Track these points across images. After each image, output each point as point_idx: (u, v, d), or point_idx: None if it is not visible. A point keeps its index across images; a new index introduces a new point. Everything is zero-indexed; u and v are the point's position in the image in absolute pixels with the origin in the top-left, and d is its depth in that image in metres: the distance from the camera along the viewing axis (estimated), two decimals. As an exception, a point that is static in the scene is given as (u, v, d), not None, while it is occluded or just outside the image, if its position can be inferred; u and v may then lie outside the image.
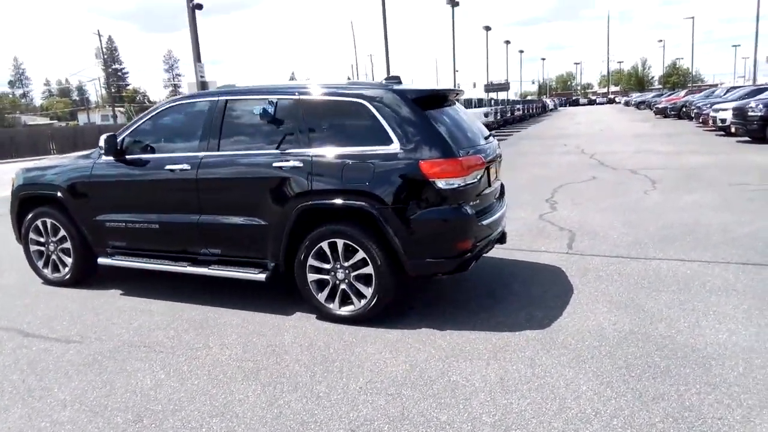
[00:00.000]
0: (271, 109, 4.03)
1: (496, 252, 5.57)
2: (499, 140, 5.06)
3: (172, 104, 4.54)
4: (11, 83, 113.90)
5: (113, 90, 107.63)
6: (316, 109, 3.99)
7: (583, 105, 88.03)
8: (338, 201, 3.79)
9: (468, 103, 24.75)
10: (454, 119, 4.18)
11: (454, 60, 49.50)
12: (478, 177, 3.87)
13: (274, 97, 4.09)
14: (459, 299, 4.39)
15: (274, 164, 3.94)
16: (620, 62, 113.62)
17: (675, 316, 3.88)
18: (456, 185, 3.66)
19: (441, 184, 3.62)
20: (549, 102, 65.63)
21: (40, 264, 5.10)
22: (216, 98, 4.32)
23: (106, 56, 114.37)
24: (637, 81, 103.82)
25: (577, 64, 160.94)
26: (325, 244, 3.89)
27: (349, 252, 3.85)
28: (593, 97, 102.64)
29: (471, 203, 3.81)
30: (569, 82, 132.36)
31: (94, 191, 4.67)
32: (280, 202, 3.95)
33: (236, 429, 2.73)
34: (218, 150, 4.20)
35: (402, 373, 3.22)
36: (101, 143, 4.41)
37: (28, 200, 5.00)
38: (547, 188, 9.48)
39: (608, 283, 4.60)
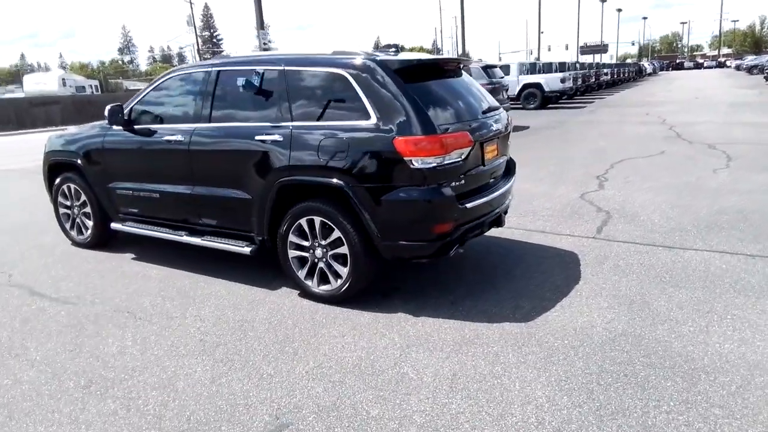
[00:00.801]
0: (256, 81, 3.93)
1: (512, 233, 5.25)
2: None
3: (173, 75, 4.57)
4: (120, 50, 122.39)
5: (208, 56, 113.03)
6: (300, 81, 3.84)
7: (688, 69, 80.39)
8: (314, 178, 3.66)
9: (547, 67, 23.32)
10: (449, 92, 3.87)
11: (539, 20, 46.87)
12: (463, 155, 3.57)
13: (261, 68, 3.98)
14: (449, 283, 4.16)
15: (257, 137, 3.86)
16: (735, 21, 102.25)
17: (683, 318, 3.44)
18: (433, 164, 3.40)
19: (417, 162, 3.37)
20: (647, 65, 60.52)
21: (67, 226, 5.44)
22: (209, 69, 4.29)
23: (202, 22, 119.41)
24: (753, 42, 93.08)
25: (683, 23, 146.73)
26: (304, 221, 3.79)
27: (327, 230, 3.73)
28: (701, 61, 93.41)
29: (453, 184, 3.53)
30: (675, 44, 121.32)
31: (106, 160, 4.85)
32: (262, 176, 3.88)
33: (170, 403, 2.75)
34: (209, 122, 4.18)
35: (354, 361, 3.10)
36: (105, 113, 4.54)
37: (56, 166, 5.31)
38: (604, 163, 8.76)
39: (623, 275, 4.16)
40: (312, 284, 3.88)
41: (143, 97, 4.67)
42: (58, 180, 5.32)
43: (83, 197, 5.13)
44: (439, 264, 4.54)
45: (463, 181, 3.61)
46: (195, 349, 3.30)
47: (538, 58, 47.87)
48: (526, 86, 20.64)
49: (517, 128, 14.45)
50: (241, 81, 3.97)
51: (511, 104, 21.66)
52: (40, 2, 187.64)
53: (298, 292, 4.03)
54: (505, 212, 4.36)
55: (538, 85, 20.41)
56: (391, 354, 3.15)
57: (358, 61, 3.64)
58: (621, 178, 7.59)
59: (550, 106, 21.44)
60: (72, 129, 5.45)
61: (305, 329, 3.51)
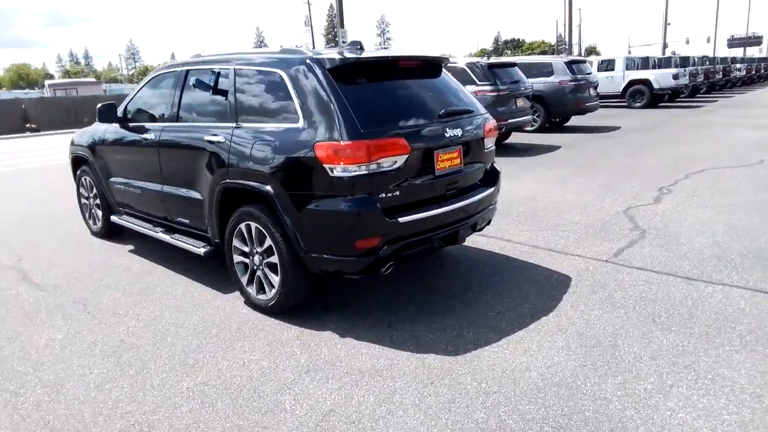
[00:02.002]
0: (209, 80, 3.85)
1: (514, 249, 4.73)
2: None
3: (157, 73, 4.64)
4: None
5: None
6: (245, 81, 3.68)
7: None
8: (247, 182, 3.49)
9: (665, 62, 21.06)
10: (397, 93, 3.50)
11: (666, 10, 42.79)
12: (397, 164, 3.19)
13: (217, 67, 3.89)
14: (402, 301, 3.77)
15: (205, 138, 3.78)
16: None
17: (648, 371, 2.79)
18: (356, 173, 3.06)
19: (338, 170, 3.06)
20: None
21: (86, 216, 5.81)
22: (180, 68, 4.29)
23: (327, 22, 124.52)
24: None
25: None
26: (243, 226, 3.64)
27: (261, 237, 3.55)
28: None
29: (382, 195, 3.17)
30: None
31: (105, 155, 5.08)
32: (209, 177, 3.79)
33: (44, 405, 2.74)
34: (176, 121, 4.18)
35: (242, 382, 2.88)
36: (96, 111, 4.73)
37: (76, 159, 5.68)
38: (679, 172, 7.64)
39: (609, 310, 3.51)
40: (252, 292, 3.73)
41: (135, 95, 4.80)
42: (78, 172, 5.69)
43: (95, 189, 5.43)
44: (405, 277, 4.17)
45: (397, 193, 3.23)
46: (108, 350, 3.29)
47: (674, 52, 43.71)
48: (632, 83, 18.81)
49: (604, 129, 13.20)
50: (192, 80, 3.92)
51: (614, 102, 19.99)
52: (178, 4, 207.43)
53: (245, 299, 3.90)
54: (476, 228, 3.88)
55: (646, 82, 18.51)
56: (284, 378, 2.90)
57: (294, 60, 3.39)
58: (688, 191, 6.54)
59: (661, 105, 19.37)
60: (94, 125, 5.78)
61: (223, 340, 3.36)
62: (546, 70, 12.57)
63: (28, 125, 27.28)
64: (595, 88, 13.33)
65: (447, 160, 3.50)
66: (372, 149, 3.06)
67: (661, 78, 18.22)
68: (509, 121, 9.79)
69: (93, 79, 59.66)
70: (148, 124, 4.50)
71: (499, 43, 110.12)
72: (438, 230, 3.46)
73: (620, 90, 18.99)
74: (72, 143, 5.69)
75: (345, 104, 3.12)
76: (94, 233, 5.73)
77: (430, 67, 3.85)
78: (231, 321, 3.60)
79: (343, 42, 15.09)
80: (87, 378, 2.98)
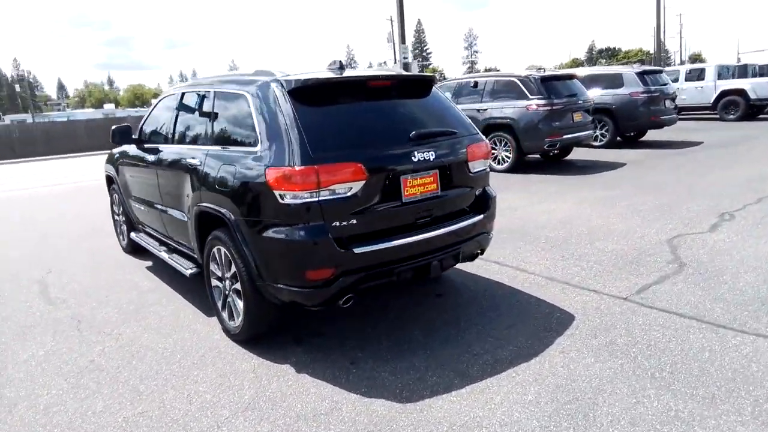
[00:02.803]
0: (195, 103, 3.86)
1: (524, 281, 4.37)
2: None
3: (163, 96, 4.75)
4: (346, 65, 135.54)
5: (420, 69, 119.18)
6: (221, 103, 3.64)
7: None
8: (213, 205, 3.43)
9: (759, 71, 19.05)
10: (363, 115, 3.30)
11: None
12: (353, 191, 2.97)
13: (202, 90, 3.90)
14: (379, 336, 3.52)
15: (187, 160, 3.79)
16: None
17: (617, 441, 2.36)
18: (305, 200, 2.89)
19: (288, 197, 2.91)
20: None
21: (117, 232, 6.09)
22: (176, 91, 4.35)
23: (414, 38, 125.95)
24: None
25: None
26: (215, 250, 3.59)
27: (229, 262, 3.47)
28: None
29: (335, 224, 2.97)
30: None
31: (125, 175, 5.28)
32: (189, 199, 3.79)
33: (-10, 425, 2.81)
34: (173, 143, 4.24)
35: (175, 415, 2.77)
36: (110, 133, 4.92)
37: (107, 178, 5.97)
38: (750, 195, 6.73)
39: (604, 359, 3.06)
40: (225, 317, 3.65)
41: (149, 116, 4.95)
42: (109, 190, 5.98)
43: (121, 207, 5.67)
44: (393, 306, 3.91)
45: (354, 221, 3.01)
46: (75, 370, 3.33)
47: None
48: (724, 93, 17.13)
49: (683, 144, 12.05)
50: (183, 103, 3.94)
51: (705, 115, 18.29)
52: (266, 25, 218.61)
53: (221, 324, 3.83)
54: (459, 258, 3.56)
55: (741, 92, 16.77)
56: (220, 415, 2.75)
57: (259, 81, 3.30)
58: (754, 219, 5.72)
59: (761, 117, 17.47)
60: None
61: (182, 367, 3.29)
62: (616, 81, 11.71)
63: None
64: (673, 99, 12.21)
65: (418, 186, 3.23)
66: (322, 175, 2.88)
67: (759, 88, 16.42)
68: (564, 136, 9.17)
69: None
70: (152, 145, 4.61)
71: (594, 52, 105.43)
72: (403, 262, 3.19)
73: (711, 101, 17.35)
74: (105, 162, 5.99)
75: (298, 127, 2.97)
76: (123, 249, 5.98)
77: (412, 86, 3.62)
78: (199, 347, 3.54)
79: (404, 59, 15.06)
80: (40, 399, 3.02)
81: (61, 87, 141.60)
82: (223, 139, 3.52)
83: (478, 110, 9.77)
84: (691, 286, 4.02)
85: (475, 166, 3.59)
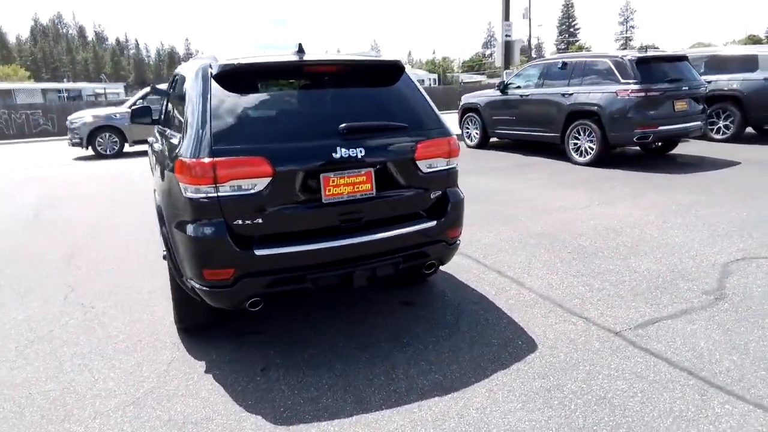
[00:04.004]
0: (168, 88, 3.86)
1: (514, 296, 3.82)
2: None
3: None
4: (485, 44, 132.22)
5: (561, 47, 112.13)
6: (177, 84, 3.57)
7: None
8: (155, 196, 3.41)
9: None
10: (289, 103, 3.03)
11: None
12: (258, 187, 2.71)
13: (180, 73, 3.86)
14: (321, 342, 3.27)
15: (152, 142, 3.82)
16: None
17: None
18: (205, 194, 2.72)
19: (190, 191, 2.76)
20: None
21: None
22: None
23: (561, 12, 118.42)
24: None
25: None
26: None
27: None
28: None
29: (238, 221, 2.75)
30: None
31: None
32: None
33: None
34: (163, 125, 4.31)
35: (60, 397, 2.82)
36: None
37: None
38: None
39: (533, 410, 2.55)
40: (173, 305, 3.64)
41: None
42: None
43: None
44: (355, 312, 3.63)
45: (259, 220, 2.78)
46: (31, 339, 3.51)
47: None
48: None
49: (725, 164, 9.79)
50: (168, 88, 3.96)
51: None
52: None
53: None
54: (425, 267, 3.18)
55: None
56: (96, 406, 2.71)
57: (202, 63, 3.12)
58: None
59: None
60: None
61: (117, 350, 3.32)
62: (748, 64, 9.81)
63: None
64: (701, 100, 9.92)
65: (345, 186, 2.89)
66: (220, 169, 2.68)
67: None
68: (660, 128, 7.90)
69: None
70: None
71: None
72: (318, 268, 2.90)
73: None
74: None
75: (208, 116, 2.79)
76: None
77: (370, 73, 3.24)
78: (144, 332, 3.56)
79: (507, 37, 14.02)
80: (-16, 363, 3.26)
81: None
82: (169, 123, 3.47)
83: (563, 95, 8.79)
84: (712, 327, 3.20)
85: (429, 165, 3.14)
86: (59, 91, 51.23)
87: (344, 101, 3.12)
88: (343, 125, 2.89)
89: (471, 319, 3.50)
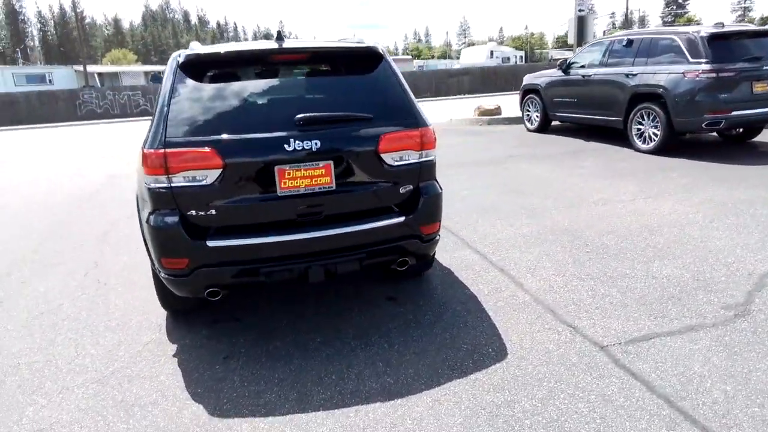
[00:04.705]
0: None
1: (505, 298, 3.63)
2: None
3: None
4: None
5: (668, 20, 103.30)
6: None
7: None
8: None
9: None
10: (250, 93, 2.97)
11: None
12: (209, 179, 2.70)
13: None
14: (293, 334, 3.27)
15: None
16: None
17: None
18: (160, 185, 2.75)
19: (149, 181, 2.81)
20: None
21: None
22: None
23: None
24: None
25: None
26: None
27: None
28: None
29: (192, 212, 2.76)
30: None
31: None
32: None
33: (-53, 346, 3.42)
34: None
35: (35, 369, 3.02)
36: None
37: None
38: None
39: (468, 426, 2.39)
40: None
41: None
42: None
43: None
44: (342, 302, 3.58)
45: (213, 212, 2.78)
46: (42, 310, 3.80)
47: None
48: None
49: None
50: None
51: None
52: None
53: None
54: (397, 263, 3.07)
55: None
56: (64, 384, 2.88)
57: (179, 53, 3.15)
58: None
59: None
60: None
61: (108, 328, 3.51)
62: None
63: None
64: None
65: (302, 179, 2.82)
66: (170, 160, 2.70)
67: None
68: (734, 113, 7.03)
69: (408, 57, 66.27)
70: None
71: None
72: (273, 262, 2.86)
73: None
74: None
75: (167, 106, 2.81)
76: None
77: (344, 60, 3.12)
78: (138, 310, 3.72)
79: (580, 11, 12.97)
80: (-7, 331, 3.57)
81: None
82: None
83: (627, 75, 8.05)
84: (716, 349, 2.82)
85: (398, 158, 2.98)
86: (159, 72, 54.89)
87: (309, 91, 3.04)
88: (299, 116, 2.81)
89: (450, 320, 3.33)
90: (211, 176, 2.73)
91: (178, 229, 2.77)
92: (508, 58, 50.93)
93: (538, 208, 5.52)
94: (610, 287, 3.63)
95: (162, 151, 2.71)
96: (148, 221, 2.84)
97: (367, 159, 2.92)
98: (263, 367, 2.94)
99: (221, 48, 3.02)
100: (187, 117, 2.82)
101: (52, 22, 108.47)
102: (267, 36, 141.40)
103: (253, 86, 3.02)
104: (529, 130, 10.97)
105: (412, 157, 3.03)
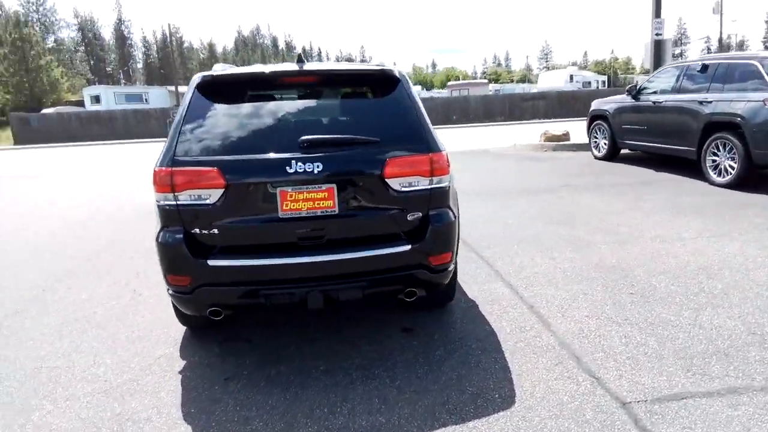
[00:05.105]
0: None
1: (527, 339, 3.46)
2: None
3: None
4: (675, 42, 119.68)
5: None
6: None
7: None
8: None
9: None
10: (258, 114, 2.98)
11: None
12: (212, 199, 2.72)
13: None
14: (302, 363, 3.21)
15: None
16: None
17: None
18: (168, 202, 2.81)
19: (159, 198, 2.87)
20: None
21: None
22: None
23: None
24: None
25: None
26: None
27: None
28: None
29: (196, 230, 2.79)
30: None
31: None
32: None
33: (-14, 345, 3.65)
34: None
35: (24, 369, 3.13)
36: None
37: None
38: None
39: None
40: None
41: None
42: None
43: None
44: (339, 331, 3.49)
45: (215, 231, 2.79)
46: (76, 312, 3.99)
47: None
48: None
49: None
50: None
51: None
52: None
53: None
54: (405, 294, 2.97)
55: None
56: (67, 392, 2.98)
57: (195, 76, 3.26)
58: None
59: None
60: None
61: (130, 339, 3.63)
62: None
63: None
64: None
65: (304, 201, 2.77)
66: (177, 179, 2.76)
67: None
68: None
69: (484, 81, 65.78)
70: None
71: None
72: (272, 285, 2.81)
73: None
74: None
75: (180, 126, 2.89)
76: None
77: (358, 83, 3.07)
78: (157, 325, 3.80)
79: (657, 35, 12.26)
80: (30, 320, 3.77)
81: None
82: None
83: (701, 102, 7.46)
84: (760, 417, 2.44)
85: (405, 184, 2.87)
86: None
87: (319, 114, 3.02)
88: (303, 138, 2.78)
89: (462, 358, 3.13)
90: (214, 195, 2.75)
91: (181, 246, 2.80)
92: (589, 83, 49.17)
93: (585, 241, 5.16)
94: (648, 335, 3.28)
95: (169, 169, 2.77)
96: (157, 238, 2.90)
97: (372, 184, 2.84)
98: (260, 392, 2.88)
99: (237, 70, 3.07)
100: (197, 137, 2.87)
101: (155, 46, 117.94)
102: (349, 60, 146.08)
103: (263, 108, 3.04)
104: (596, 157, 10.44)
105: (421, 183, 2.91)
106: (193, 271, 2.82)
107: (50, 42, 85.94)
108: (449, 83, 58.81)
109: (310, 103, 3.09)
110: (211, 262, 2.79)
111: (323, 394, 2.82)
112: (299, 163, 2.74)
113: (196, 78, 3.08)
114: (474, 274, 4.45)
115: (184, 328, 3.67)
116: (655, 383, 2.77)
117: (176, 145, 2.82)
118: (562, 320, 3.55)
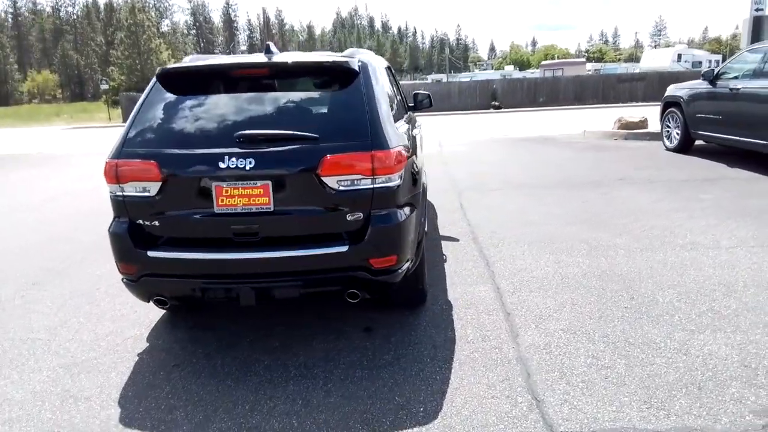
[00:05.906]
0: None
1: (489, 357, 3.24)
2: None
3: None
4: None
5: None
6: None
7: None
8: None
9: None
10: (203, 107, 2.99)
11: None
12: (150, 191, 2.77)
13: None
14: (269, 355, 3.24)
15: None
16: None
17: None
18: (115, 193, 2.91)
19: (110, 189, 2.98)
20: None
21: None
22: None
23: None
24: None
25: None
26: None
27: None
28: None
29: (140, 221, 2.87)
30: None
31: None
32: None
33: (-1, 312, 4.04)
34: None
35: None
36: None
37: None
38: None
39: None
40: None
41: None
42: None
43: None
44: (303, 326, 3.47)
45: (156, 223, 2.86)
46: (85, 292, 4.31)
47: None
48: None
49: None
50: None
51: None
52: None
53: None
54: (348, 295, 2.92)
55: None
56: (47, 373, 3.20)
57: None
58: None
59: None
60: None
61: (117, 329, 3.85)
62: None
63: (492, 103, 31.39)
64: None
65: (241, 197, 2.76)
66: (121, 171, 2.85)
67: None
68: None
69: (581, 60, 61.99)
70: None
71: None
72: (206, 279, 2.84)
73: None
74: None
75: (134, 119, 2.97)
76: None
77: (308, 75, 2.97)
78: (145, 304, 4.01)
79: (757, 10, 10.72)
80: (34, 304, 4.11)
81: (492, 48, 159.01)
82: None
83: (779, 91, 6.52)
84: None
85: (345, 182, 2.75)
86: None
87: (265, 107, 2.95)
88: (238, 133, 2.75)
89: (406, 365, 3.00)
90: (153, 188, 2.81)
91: (125, 236, 2.90)
92: (700, 63, 44.60)
93: (604, 245, 4.72)
94: (620, 357, 2.95)
95: (114, 161, 2.86)
96: (109, 227, 3.03)
97: (308, 182, 2.75)
98: (197, 382, 2.94)
99: (194, 62, 3.10)
100: (146, 130, 2.94)
101: (258, 28, 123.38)
102: (443, 41, 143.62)
103: (212, 101, 3.03)
104: (667, 148, 9.50)
105: (363, 183, 2.78)
106: (136, 261, 2.92)
107: (165, 26, 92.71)
108: (542, 63, 56.06)
109: (258, 96, 3.04)
110: (151, 254, 2.87)
111: (253, 390, 2.83)
112: (232, 159, 2.72)
113: (157, 71, 3.14)
114: (466, 274, 4.24)
115: (163, 311, 3.83)
116: (599, 413, 2.49)
117: (126, 138, 2.91)
118: (533, 332, 3.29)
